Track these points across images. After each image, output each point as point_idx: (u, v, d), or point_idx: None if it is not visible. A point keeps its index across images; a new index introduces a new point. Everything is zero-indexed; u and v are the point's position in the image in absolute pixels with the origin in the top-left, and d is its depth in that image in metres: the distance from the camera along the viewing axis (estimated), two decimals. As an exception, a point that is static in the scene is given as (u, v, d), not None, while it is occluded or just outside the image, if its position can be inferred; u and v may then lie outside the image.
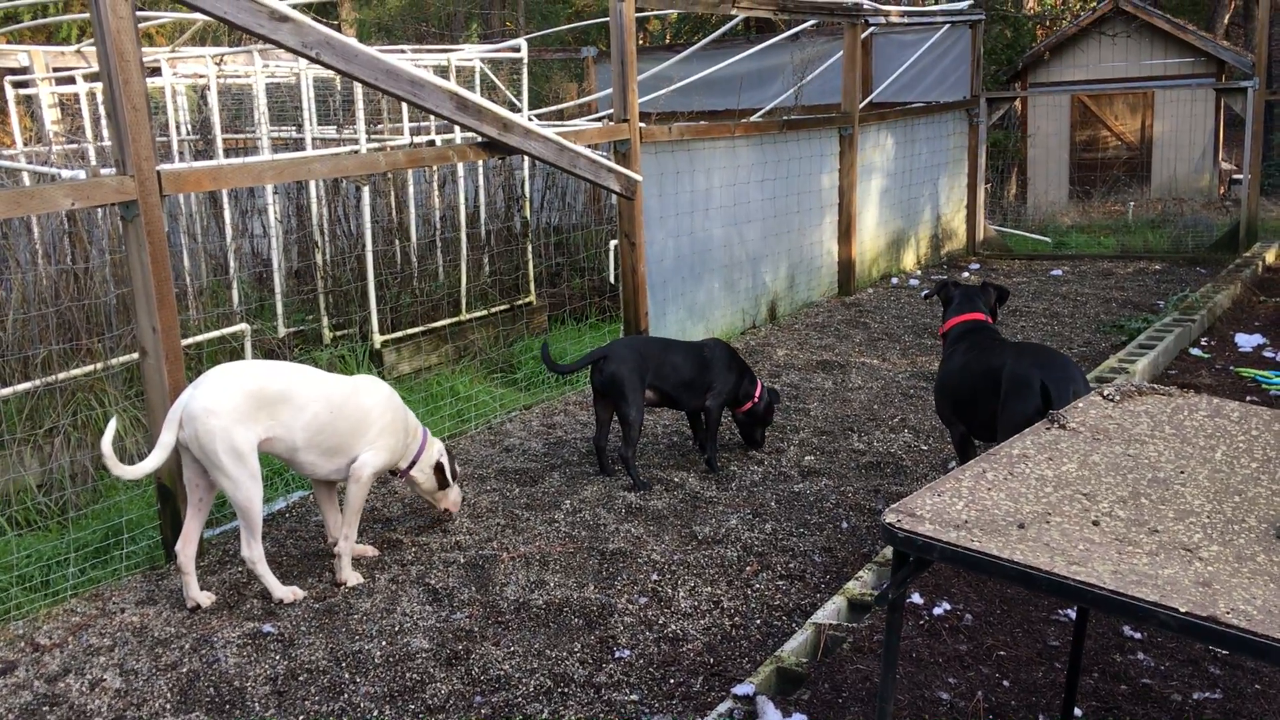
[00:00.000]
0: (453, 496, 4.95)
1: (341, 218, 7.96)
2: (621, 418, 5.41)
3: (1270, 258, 10.81)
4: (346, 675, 3.78)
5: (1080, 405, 2.82)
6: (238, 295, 7.09)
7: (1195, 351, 7.53)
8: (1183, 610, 1.82)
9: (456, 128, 7.53)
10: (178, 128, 8.15)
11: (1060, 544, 2.10)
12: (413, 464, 4.74)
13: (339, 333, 7.40)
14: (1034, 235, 13.32)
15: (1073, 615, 3.83)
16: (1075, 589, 1.94)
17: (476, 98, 5.88)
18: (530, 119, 7.66)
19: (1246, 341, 7.66)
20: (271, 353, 6.87)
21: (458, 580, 4.47)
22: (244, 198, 7.82)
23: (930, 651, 3.66)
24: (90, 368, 5.60)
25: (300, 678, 3.77)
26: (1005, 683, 3.47)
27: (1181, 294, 9.15)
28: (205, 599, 4.31)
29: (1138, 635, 3.74)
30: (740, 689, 3.43)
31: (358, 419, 4.40)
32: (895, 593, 2.21)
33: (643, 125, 7.27)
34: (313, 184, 7.47)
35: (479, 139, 6.02)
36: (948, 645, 3.70)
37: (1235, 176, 16.66)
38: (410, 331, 7.48)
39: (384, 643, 3.99)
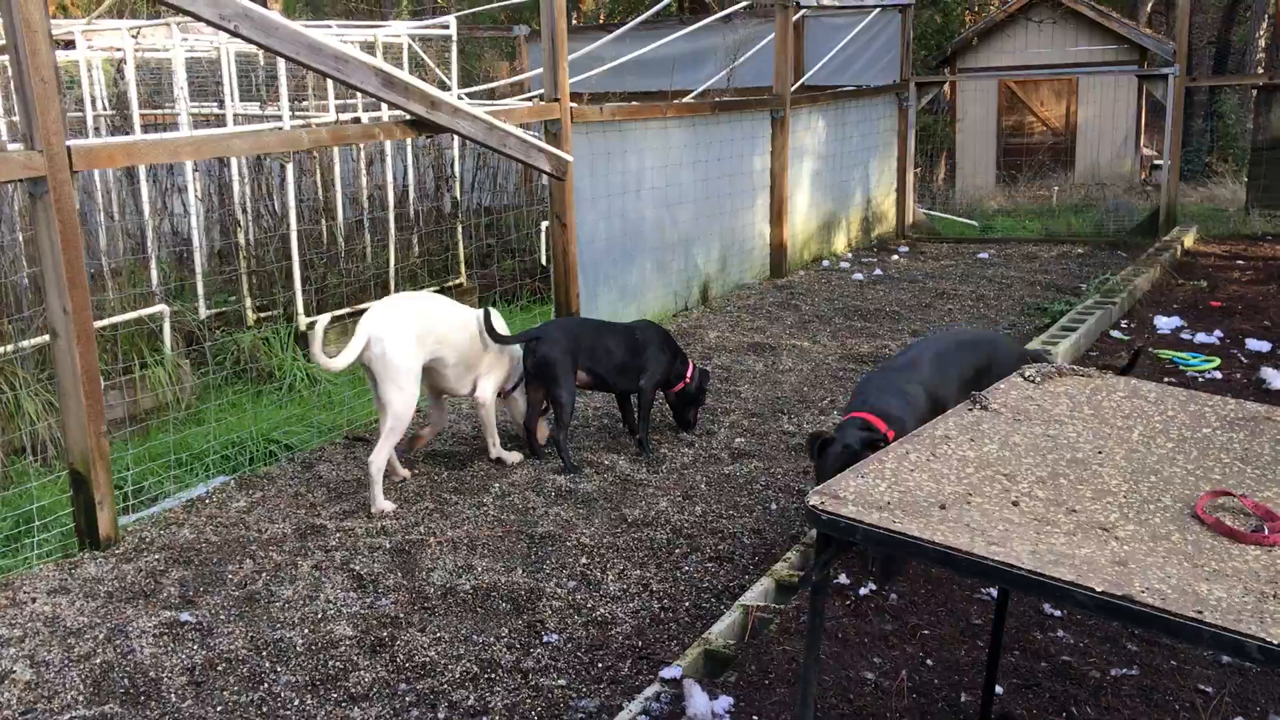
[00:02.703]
0: (543, 429, 5.62)
1: (265, 196, 7.78)
2: (553, 400, 5.37)
3: (1189, 242, 11.06)
4: (267, 664, 3.70)
5: (1002, 386, 2.84)
6: (156, 275, 6.90)
7: (1116, 334, 7.68)
8: (1099, 589, 1.84)
9: (384, 105, 7.39)
10: (93, 102, 7.90)
11: (980, 524, 2.11)
12: (515, 387, 5.50)
13: (262, 314, 7.24)
14: (962, 219, 13.49)
15: (995, 594, 3.88)
16: (994, 569, 1.95)
17: (403, 74, 5.76)
18: (460, 97, 7.54)
19: (1165, 324, 7.82)
20: (191, 335, 6.70)
21: (383, 566, 4.40)
22: (164, 175, 7.60)
23: (856, 631, 3.69)
24: (0, 349, 5.41)
25: (219, 667, 3.69)
26: (929, 661, 3.50)
27: (1103, 277, 9.33)
28: (389, 505, 4.92)
29: (1058, 613, 3.80)
30: (667, 672, 3.43)
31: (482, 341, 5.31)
32: (818, 574, 2.21)
33: (574, 105, 7.20)
34: (235, 162, 7.29)
35: (406, 117, 5.91)
36: (873, 625, 3.73)
37: (1156, 162, 17.03)
38: (337, 313, 7.34)
39: (306, 630, 3.91)
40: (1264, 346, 7.17)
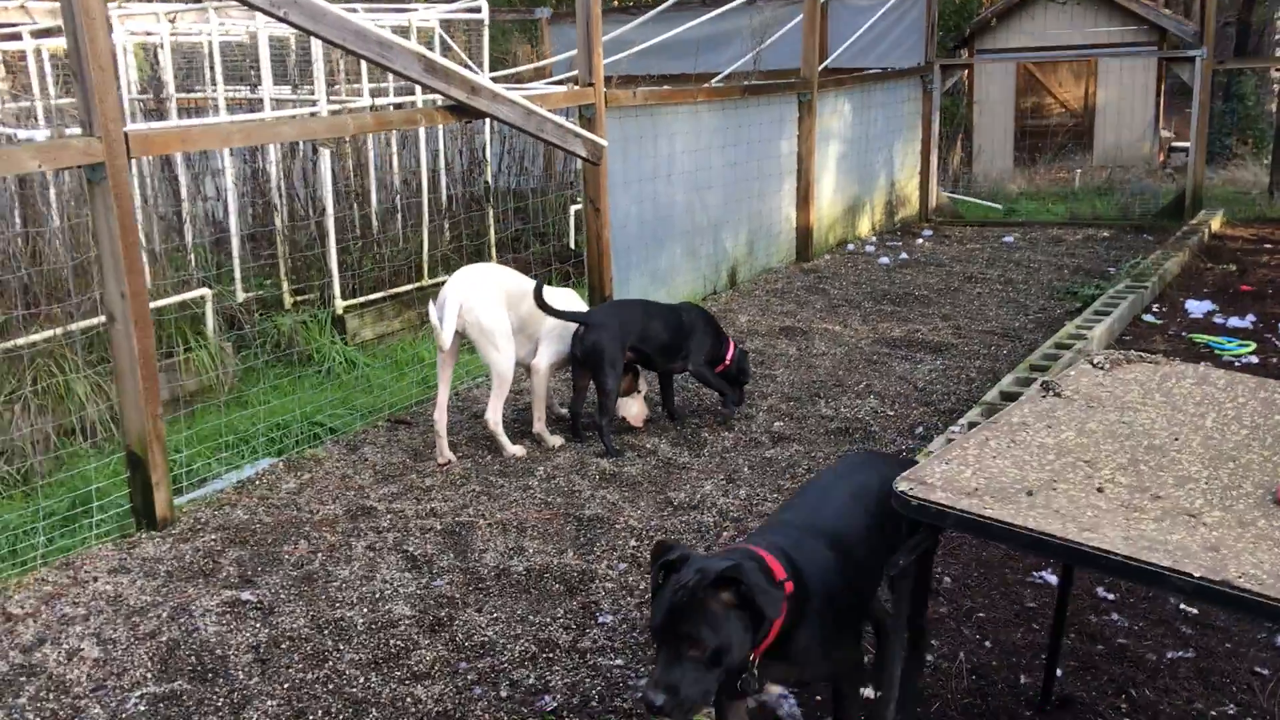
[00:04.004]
0: (634, 410, 5.70)
1: (299, 181, 7.82)
2: (599, 386, 5.41)
3: (1216, 225, 11.04)
4: (330, 643, 3.77)
5: (1072, 373, 2.88)
6: (194, 260, 6.95)
7: (1148, 318, 7.69)
8: (1197, 575, 1.88)
9: (417, 89, 7.42)
10: (128, 87, 7.93)
11: (1069, 510, 2.15)
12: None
13: (300, 298, 7.30)
14: (986, 202, 13.47)
15: (1048, 577, 3.93)
16: (1089, 555, 1.99)
17: (445, 60, 5.79)
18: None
19: (1197, 308, 7.84)
20: (232, 319, 6.76)
21: (436, 547, 4.46)
22: (197, 160, 7.64)
23: (911, 614, 3.73)
24: (51, 333, 5.47)
25: (283, 645, 3.75)
26: (986, 644, 3.55)
27: (1133, 261, 9.33)
28: (520, 450, 5.39)
29: (1111, 596, 3.84)
30: (729, 653, 3.47)
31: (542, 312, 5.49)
32: (906, 559, 2.25)
33: (607, 90, 7.22)
34: (271, 146, 7.32)
35: (446, 102, 5.94)
36: (928, 608, 3.77)
37: (1175, 144, 16.96)
38: (373, 297, 7.40)
39: (365, 610, 3.97)
40: (1297, 331, 7.20)
